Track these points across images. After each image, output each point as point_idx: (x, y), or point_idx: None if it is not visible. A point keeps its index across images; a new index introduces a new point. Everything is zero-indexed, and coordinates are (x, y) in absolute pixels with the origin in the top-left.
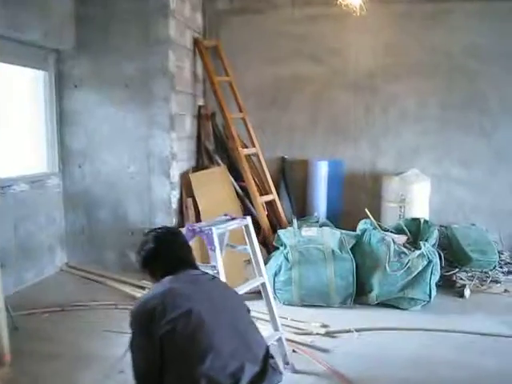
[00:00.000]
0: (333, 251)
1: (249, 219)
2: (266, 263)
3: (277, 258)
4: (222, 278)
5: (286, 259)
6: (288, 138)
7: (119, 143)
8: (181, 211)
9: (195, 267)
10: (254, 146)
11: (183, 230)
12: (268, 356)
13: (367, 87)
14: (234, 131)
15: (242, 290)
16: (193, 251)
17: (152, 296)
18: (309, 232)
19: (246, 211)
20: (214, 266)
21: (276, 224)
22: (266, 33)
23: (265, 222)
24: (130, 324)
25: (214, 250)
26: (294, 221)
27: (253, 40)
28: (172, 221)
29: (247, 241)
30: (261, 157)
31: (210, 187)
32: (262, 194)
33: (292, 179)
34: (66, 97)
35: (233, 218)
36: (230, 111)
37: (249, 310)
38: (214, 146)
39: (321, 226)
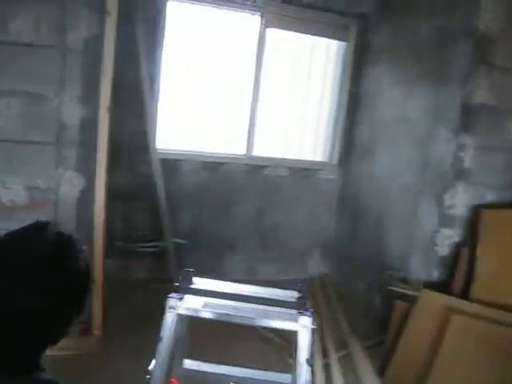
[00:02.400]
0: None
1: (307, 320)
2: None
3: None
4: None
5: None
6: None
7: (398, 140)
8: (454, 264)
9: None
10: None
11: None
12: None
13: None
14: None
15: None
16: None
17: None
18: None
19: None
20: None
21: None
22: None
23: None
24: None
25: (159, 342)
26: None
27: None
28: (430, 273)
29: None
30: None
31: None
32: None
33: None
34: (363, 74)
35: (301, 306)
36: None
37: None
38: None
39: None
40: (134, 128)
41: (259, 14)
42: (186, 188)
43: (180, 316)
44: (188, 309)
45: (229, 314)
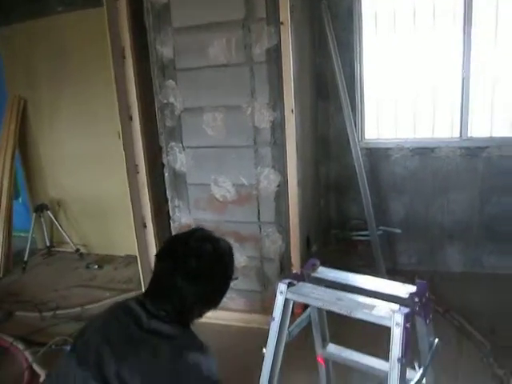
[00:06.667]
0: None
1: (400, 318)
2: None
3: None
4: (264, 378)
5: None
6: None
7: None
8: None
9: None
10: None
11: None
12: None
13: None
14: None
15: None
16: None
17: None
18: None
19: None
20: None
21: None
22: None
23: None
24: None
25: (271, 321)
26: None
27: None
28: None
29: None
30: None
31: None
32: None
33: None
34: None
35: (409, 303)
36: None
37: None
38: None
39: None
40: (341, 121)
41: None
42: (397, 176)
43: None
44: (294, 295)
45: (328, 303)
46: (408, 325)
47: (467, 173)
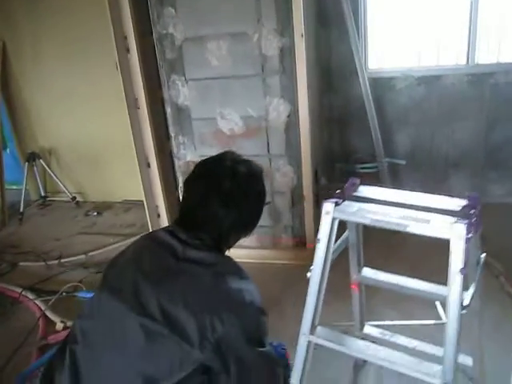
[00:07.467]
0: None
1: (461, 228)
2: None
3: None
4: (311, 298)
5: None
6: None
7: None
8: None
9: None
10: None
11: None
12: None
13: None
14: None
15: None
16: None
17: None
18: None
19: None
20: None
21: None
22: None
23: None
24: None
25: (317, 243)
26: None
27: None
28: None
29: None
30: None
31: None
32: None
33: None
34: None
35: (463, 215)
36: None
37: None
38: None
39: None
40: (343, 51)
41: None
42: (402, 106)
43: (339, 221)
44: (342, 213)
45: (381, 220)
46: (469, 235)
47: (473, 101)
